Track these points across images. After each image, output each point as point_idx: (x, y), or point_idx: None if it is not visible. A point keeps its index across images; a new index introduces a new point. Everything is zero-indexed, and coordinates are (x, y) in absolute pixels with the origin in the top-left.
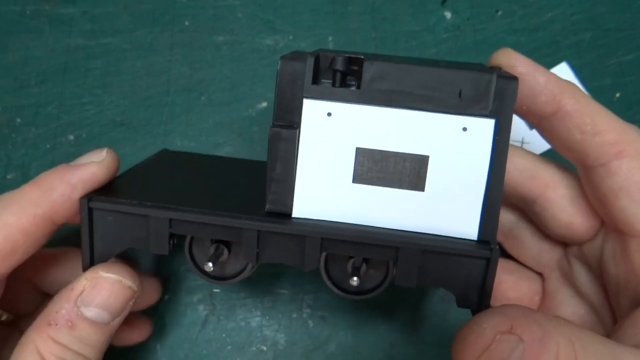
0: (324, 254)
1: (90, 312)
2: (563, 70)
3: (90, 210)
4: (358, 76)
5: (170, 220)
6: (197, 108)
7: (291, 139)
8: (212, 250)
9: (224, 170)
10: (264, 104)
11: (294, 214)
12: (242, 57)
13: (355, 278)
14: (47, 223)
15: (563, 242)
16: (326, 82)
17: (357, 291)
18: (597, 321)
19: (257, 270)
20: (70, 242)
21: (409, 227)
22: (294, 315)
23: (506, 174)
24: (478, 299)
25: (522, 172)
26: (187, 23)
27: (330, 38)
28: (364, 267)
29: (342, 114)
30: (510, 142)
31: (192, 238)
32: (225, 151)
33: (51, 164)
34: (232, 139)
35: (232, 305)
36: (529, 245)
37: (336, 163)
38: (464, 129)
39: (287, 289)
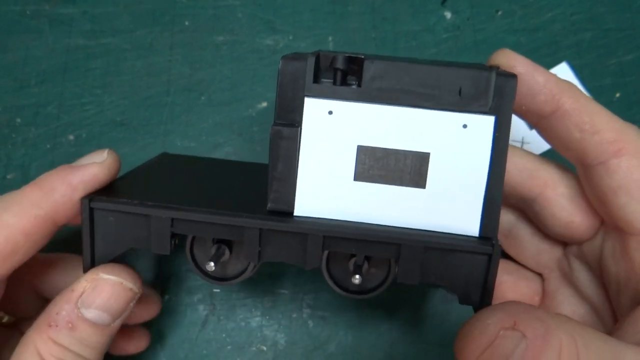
0: (325, 252)
1: (91, 313)
2: (563, 70)
3: (91, 210)
4: (358, 75)
5: (172, 219)
6: (197, 108)
7: (292, 137)
8: (213, 250)
9: (224, 173)
10: (264, 104)
11: (296, 213)
12: (242, 57)
13: (357, 276)
14: (48, 224)
15: (562, 242)
16: (327, 81)
17: (358, 290)
18: (598, 320)
19: (257, 270)
20: (71, 244)
21: (411, 224)
22: (294, 315)
23: (506, 173)
24: (480, 295)
25: (521, 171)
26: (187, 23)
27: (330, 38)
28: (365, 265)
29: (343, 112)
30: (510, 142)
31: (193, 238)
32: (225, 151)
33: (51, 164)
34: (232, 139)
35: (232, 305)
36: (529, 245)
37: (337, 161)
38: (464, 126)
39: (287, 289)
